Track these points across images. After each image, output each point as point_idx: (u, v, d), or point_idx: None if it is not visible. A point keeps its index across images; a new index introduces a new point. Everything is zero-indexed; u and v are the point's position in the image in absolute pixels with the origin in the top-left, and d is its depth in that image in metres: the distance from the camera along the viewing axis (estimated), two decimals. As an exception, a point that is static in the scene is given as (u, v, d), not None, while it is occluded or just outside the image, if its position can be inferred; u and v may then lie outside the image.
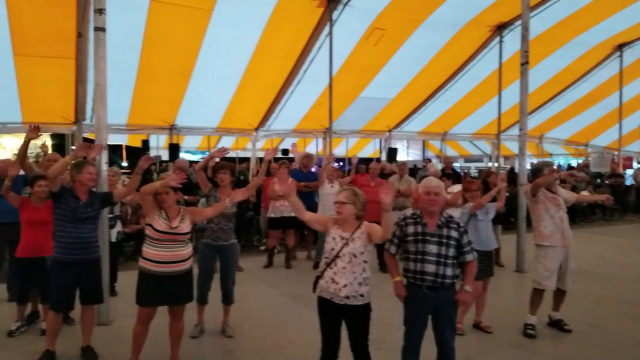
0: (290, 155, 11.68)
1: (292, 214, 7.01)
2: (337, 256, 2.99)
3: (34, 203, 4.37)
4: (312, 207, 7.29)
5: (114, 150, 15.56)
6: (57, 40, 7.83)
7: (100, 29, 4.98)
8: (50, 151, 6.65)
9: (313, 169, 8.19)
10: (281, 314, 5.15)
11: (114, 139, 11.46)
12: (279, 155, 12.87)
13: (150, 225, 3.60)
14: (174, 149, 10.13)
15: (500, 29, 10.13)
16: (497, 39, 10.25)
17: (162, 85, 9.18)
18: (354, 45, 9.40)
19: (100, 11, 4.97)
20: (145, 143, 10.78)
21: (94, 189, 4.16)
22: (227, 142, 11.83)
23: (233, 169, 4.67)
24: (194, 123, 10.46)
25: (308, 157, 8.20)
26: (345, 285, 2.95)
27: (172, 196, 3.67)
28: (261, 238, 8.29)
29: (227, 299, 4.52)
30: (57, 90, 8.75)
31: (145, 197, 3.69)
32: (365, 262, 3.02)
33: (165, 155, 11.10)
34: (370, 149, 15.00)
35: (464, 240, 3.19)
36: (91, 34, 7.54)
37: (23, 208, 4.40)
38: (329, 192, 7.12)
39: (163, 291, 3.58)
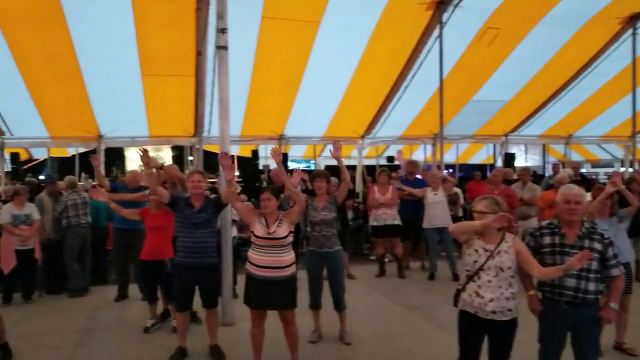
0: (396, 162, 11.67)
1: (396, 222, 7.05)
2: (480, 269, 2.96)
3: (152, 210, 4.91)
4: (418, 216, 7.23)
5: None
6: (178, 60, 8.68)
7: (222, 47, 5.46)
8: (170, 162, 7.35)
9: (418, 176, 8.12)
10: (398, 324, 5.17)
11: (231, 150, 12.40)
12: (383, 162, 12.95)
13: (252, 231, 3.87)
14: (283, 158, 10.67)
15: (634, 19, 9.26)
16: (630, 31, 9.38)
17: (272, 97, 9.75)
18: (466, 47, 9.18)
19: (222, 30, 5.45)
20: (255, 153, 11.47)
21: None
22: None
23: (329, 177, 4.81)
24: (301, 133, 10.93)
25: (413, 164, 8.15)
26: (491, 300, 2.90)
27: (273, 202, 3.88)
28: (371, 247, 8.37)
29: (338, 305, 4.65)
30: (179, 106, 9.69)
31: (241, 205, 3.97)
32: (512, 276, 2.94)
33: (273, 165, 11.71)
34: (482, 155, 14.41)
35: (609, 253, 2.99)
36: (209, 52, 8.39)
37: (144, 216, 4.95)
38: (433, 200, 7.03)
39: (267, 295, 3.78)
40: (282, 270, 3.78)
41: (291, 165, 11.90)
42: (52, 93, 9.00)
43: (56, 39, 7.86)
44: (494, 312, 2.90)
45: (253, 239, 3.86)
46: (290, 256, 3.85)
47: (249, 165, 12.22)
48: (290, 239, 3.87)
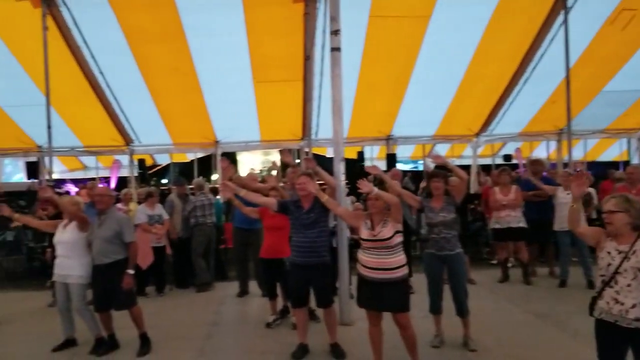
0: (514, 161, 11.08)
1: (521, 225, 6.70)
2: (616, 272, 2.76)
3: (271, 211, 5.17)
4: (545, 218, 6.81)
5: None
6: (287, 65, 9.12)
7: (336, 49, 5.65)
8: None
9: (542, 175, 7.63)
10: (526, 333, 4.94)
11: (331, 151, 12.68)
12: (500, 161, 12.35)
13: (359, 234, 3.95)
14: (391, 159, 10.68)
15: None
16: None
17: (380, 97, 9.82)
18: (596, 32, 8.46)
19: (336, 32, 5.64)
20: (360, 154, 11.59)
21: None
22: (440, 150, 11.91)
23: (447, 177, 4.70)
24: (410, 132, 10.85)
25: (538, 162, 7.67)
26: (633, 306, 2.70)
27: (380, 203, 3.89)
28: (491, 250, 8.06)
29: (461, 310, 4.56)
30: (288, 110, 10.16)
31: (343, 210, 4.02)
32: None
33: (381, 166, 11.75)
34: (614, 151, 13.11)
35: None
36: (317, 55, 8.69)
37: (263, 215, 5.25)
38: (566, 200, 6.54)
39: (377, 297, 3.82)
40: (391, 272, 3.80)
41: (398, 166, 11.81)
42: (174, 103, 9.94)
43: (177, 54, 8.69)
44: (637, 320, 2.68)
45: (361, 241, 3.96)
46: (399, 258, 3.84)
47: (354, 166, 12.37)
48: (398, 239, 3.86)
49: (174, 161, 14.34)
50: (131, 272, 4.66)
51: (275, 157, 18.60)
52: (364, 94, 9.59)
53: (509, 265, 7.09)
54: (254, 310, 6.13)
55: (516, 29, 8.45)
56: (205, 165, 12.87)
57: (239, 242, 6.62)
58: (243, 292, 6.66)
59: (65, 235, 4.76)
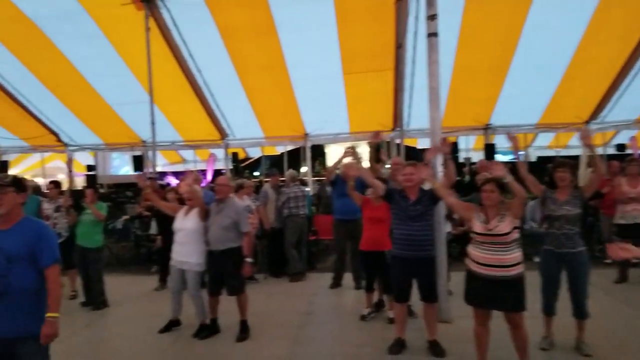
0: (628, 151, 10.09)
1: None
2: None
3: (373, 202, 5.11)
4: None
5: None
6: (377, 55, 9.01)
7: (433, 35, 5.47)
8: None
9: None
10: (649, 340, 4.47)
11: (424, 143, 12.37)
12: (612, 151, 11.31)
13: (470, 227, 3.77)
14: (490, 149, 10.18)
15: None
16: None
17: (477, 84, 9.39)
18: None
19: (432, 17, 5.46)
20: (455, 145, 11.20)
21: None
22: (544, 139, 11.15)
23: (575, 167, 4.32)
24: (510, 121, 10.27)
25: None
26: None
27: (496, 195, 3.68)
28: (603, 248, 7.42)
29: (579, 312, 4.23)
30: (378, 101, 10.06)
31: (455, 200, 3.82)
32: None
33: (476, 157, 11.30)
34: None
35: None
36: (408, 43, 8.49)
37: (364, 206, 5.20)
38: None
39: (489, 295, 3.63)
40: (507, 270, 3.60)
41: (497, 158, 11.24)
42: (266, 98, 10.25)
43: (269, 50, 8.92)
44: None
45: (473, 235, 3.78)
46: (515, 254, 3.64)
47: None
48: (516, 235, 3.66)
49: (265, 154, 14.87)
50: (249, 260, 4.89)
51: (364, 150, 18.70)
52: (459, 81, 9.22)
53: (630, 265, 6.46)
54: (348, 302, 6.16)
55: (633, 4, 7.64)
56: (295, 157, 13.19)
57: (340, 234, 6.65)
58: (336, 284, 6.71)
59: (188, 223, 5.02)
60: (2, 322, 2.70)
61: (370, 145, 5.45)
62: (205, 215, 5.01)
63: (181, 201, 5.67)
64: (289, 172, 7.67)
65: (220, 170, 12.86)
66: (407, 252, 4.28)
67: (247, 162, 15.35)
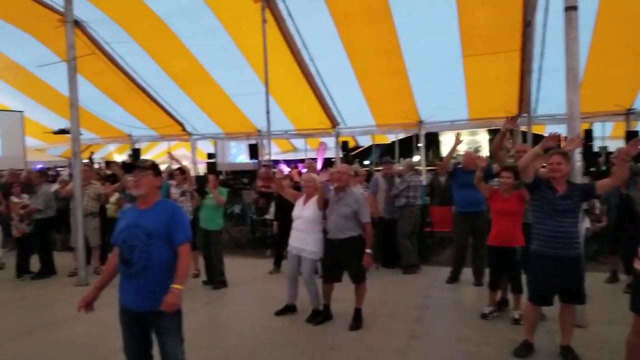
0: None
1: None
2: None
3: (502, 194, 4.76)
4: None
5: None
6: (502, 35, 8.44)
7: (571, 8, 4.93)
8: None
9: None
10: None
11: (551, 129, 11.42)
12: None
13: None
14: (632, 138, 9.05)
15: None
16: None
17: (617, 65, 8.43)
18: None
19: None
20: (589, 133, 10.17)
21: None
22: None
23: None
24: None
25: None
26: None
27: None
28: None
29: None
30: (501, 85, 9.47)
31: None
32: None
33: (613, 146, 10.13)
34: None
35: None
36: (538, 21, 7.83)
37: (492, 198, 4.87)
38: None
39: None
40: None
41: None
42: (378, 85, 10.15)
43: (383, 35, 8.78)
44: None
45: None
46: None
47: (582, 147, 10.91)
48: None
49: (376, 142, 14.78)
50: (369, 251, 4.87)
51: (482, 137, 17.79)
52: (597, 61, 8.34)
53: None
54: (467, 298, 5.90)
55: None
56: (407, 146, 12.93)
57: (461, 228, 6.39)
58: (454, 278, 6.44)
59: (305, 212, 5.14)
60: (143, 295, 2.92)
61: (503, 131, 5.06)
62: (324, 205, 5.05)
63: (296, 188, 5.79)
64: (406, 161, 7.49)
65: (330, 158, 13.04)
66: (553, 249, 3.91)
67: (357, 151, 15.39)
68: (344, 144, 12.34)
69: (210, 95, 11.39)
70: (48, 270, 7.56)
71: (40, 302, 6.39)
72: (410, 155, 12.81)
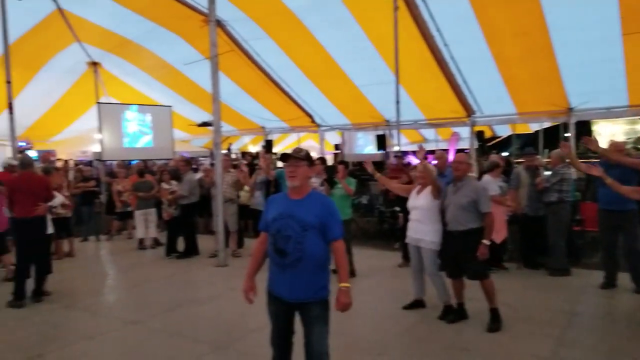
0: None
1: None
2: None
3: None
4: None
5: None
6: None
7: None
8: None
9: None
10: None
11: None
12: None
13: None
14: None
15: None
16: None
17: None
18: None
19: None
20: None
21: None
22: None
23: None
24: None
25: None
26: None
27: None
28: None
29: None
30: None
31: None
32: None
33: None
34: None
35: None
36: None
37: None
38: None
39: None
40: None
41: None
42: (520, 69, 9.42)
43: (527, 13, 8.10)
44: None
45: None
46: None
47: None
48: None
49: (516, 132, 13.81)
50: (487, 242, 4.61)
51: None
52: None
53: None
54: (624, 306, 5.28)
55: None
56: (552, 136, 11.85)
57: (605, 226, 5.75)
58: (609, 284, 5.77)
59: (419, 201, 5.07)
60: (297, 286, 2.98)
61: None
62: (437, 193, 4.92)
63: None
64: (555, 152, 6.83)
65: (463, 149, 12.49)
66: None
67: (494, 142, 14.51)
68: (479, 134, 11.69)
69: (339, 86, 11.54)
70: (192, 250, 8.32)
71: (185, 280, 7.06)
72: (555, 147, 11.78)
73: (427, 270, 5.05)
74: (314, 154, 10.81)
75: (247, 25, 10.26)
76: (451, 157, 12.64)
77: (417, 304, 5.33)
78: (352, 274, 6.64)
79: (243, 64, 11.52)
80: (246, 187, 8.41)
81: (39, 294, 6.04)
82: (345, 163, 6.90)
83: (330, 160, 13.30)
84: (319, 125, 13.78)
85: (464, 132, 12.04)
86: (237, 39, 10.86)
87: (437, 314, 5.02)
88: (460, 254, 4.74)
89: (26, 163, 6.26)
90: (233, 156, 13.94)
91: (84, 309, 5.85)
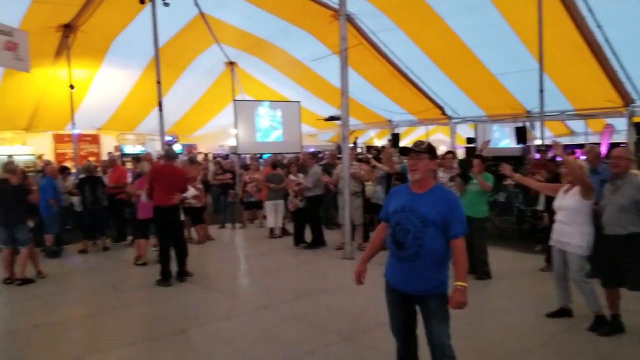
0: None
1: None
2: None
3: None
4: None
5: None
6: None
7: None
8: None
9: None
10: None
11: None
12: None
13: None
14: None
15: None
16: None
17: None
18: None
19: None
20: None
21: None
22: None
23: None
24: None
25: None
26: None
27: None
28: None
29: None
30: None
31: None
32: None
33: None
34: None
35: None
36: None
37: None
38: None
39: None
40: None
41: None
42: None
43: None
44: None
45: None
46: None
47: None
48: None
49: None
50: None
51: None
52: None
53: None
54: None
55: None
56: None
57: None
58: None
59: (566, 201, 4.67)
60: (413, 280, 2.98)
61: None
62: (587, 193, 4.48)
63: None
64: None
65: (618, 143, 11.21)
66: None
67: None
68: (638, 126, 10.41)
69: (473, 76, 11.05)
70: (319, 242, 8.57)
71: (313, 270, 7.30)
72: None
73: (573, 276, 4.63)
74: (444, 148, 10.50)
75: (375, 17, 10.27)
76: (604, 151, 11.46)
77: (562, 313, 4.91)
78: (487, 275, 6.34)
79: (370, 56, 11.56)
80: (370, 182, 8.44)
81: (182, 275, 6.68)
82: (481, 157, 6.55)
83: (461, 155, 12.82)
84: (450, 118, 13.34)
85: (619, 124, 10.79)
86: (366, 31, 10.92)
87: (585, 325, 4.57)
88: (620, 261, 4.29)
89: (170, 155, 7.04)
90: (358, 150, 14.07)
91: (221, 290, 6.36)
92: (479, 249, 6.31)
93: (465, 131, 15.29)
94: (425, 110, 13.15)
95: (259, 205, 10.60)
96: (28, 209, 6.97)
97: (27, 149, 14.55)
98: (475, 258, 6.31)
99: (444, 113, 13.21)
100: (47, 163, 10.20)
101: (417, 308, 3.08)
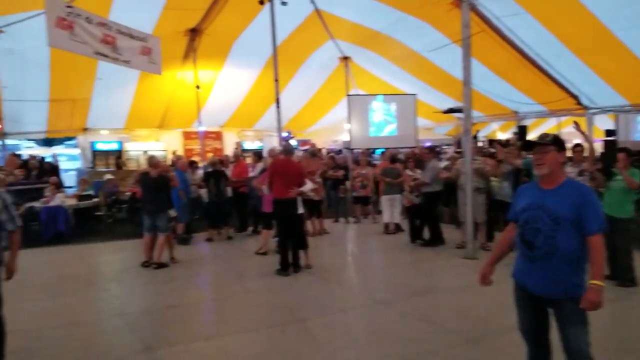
0: None
1: None
2: None
3: None
4: None
5: None
6: None
7: None
8: None
9: None
10: None
11: None
12: None
13: None
14: None
15: None
16: None
17: None
18: None
19: None
20: None
21: None
22: None
23: None
24: None
25: None
26: None
27: None
28: None
29: None
30: None
31: None
32: None
33: None
34: None
35: None
36: None
37: None
38: None
39: None
40: None
41: None
42: None
43: None
44: None
45: None
46: None
47: None
48: None
49: None
50: None
51: None
52: None
53: None
54: None
55: None
56: None
57: None
58: None
59: None
60: (545, 281, 2.81)
61: None
62: None
63: None
64: None
65: None
66: None
67: None
68: None
69: (614, 61, 9.97)
70: (437, 239, 8.33)
71: (432, 268, 7.13)
72: None
73: None
74: (577, 141, 9.64)
75: (500, 2, 9.70)
76: None
77: None
78: (632, 282, 5.74)
79: (494, 44, 10.94)
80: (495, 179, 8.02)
81: (297, 266, 6.90)
82: (627, 151, 5.92)
83: (599, 149, 11.71)
84: (586, 108, 12.20)
85: None
86: (489, 17, 10.37)
87: None
88: None
89: (288, 150, 7.36)
90: (479, 144, 13.47)
91: (338, 283, 6.47)
92: (622, 252, 5.73)
93: (603, 122, 13.93)
94: (557, 100, 12.15)
95: (365, 201, 10.67)
96: (169, 199, 7.66)
97: (160, 145, 16.01)
98: (618, 263, 5.75)
99: (579, 103, 12.10)
100: (179, 158, 11.08)
101: (550, 311, 2.91)
